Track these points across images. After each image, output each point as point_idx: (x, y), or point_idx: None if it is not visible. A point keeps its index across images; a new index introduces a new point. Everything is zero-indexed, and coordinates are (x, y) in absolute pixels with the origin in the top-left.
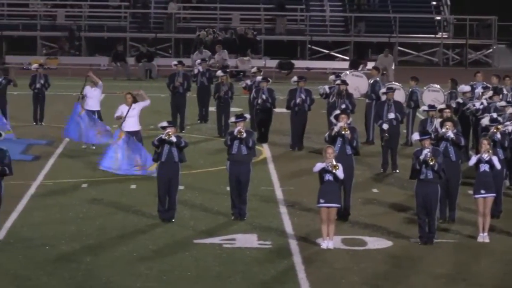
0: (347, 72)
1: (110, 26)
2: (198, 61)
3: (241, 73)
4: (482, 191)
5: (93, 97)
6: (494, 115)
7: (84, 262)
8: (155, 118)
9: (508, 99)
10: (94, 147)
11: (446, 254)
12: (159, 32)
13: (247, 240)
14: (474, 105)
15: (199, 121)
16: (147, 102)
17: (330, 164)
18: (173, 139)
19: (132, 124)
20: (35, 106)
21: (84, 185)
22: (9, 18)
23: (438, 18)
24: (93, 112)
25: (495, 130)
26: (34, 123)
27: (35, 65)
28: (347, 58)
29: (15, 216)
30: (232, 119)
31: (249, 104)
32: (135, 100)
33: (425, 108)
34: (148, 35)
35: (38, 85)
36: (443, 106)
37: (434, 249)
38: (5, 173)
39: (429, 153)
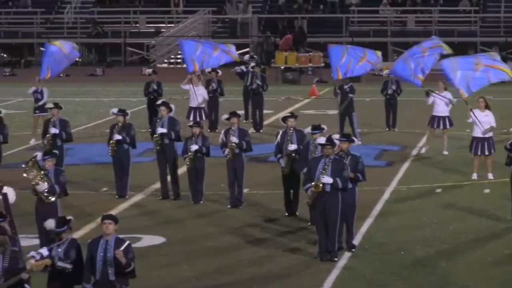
0: None
1: (460, 31)
2: None
3: None
4: None
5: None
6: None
7: (439, 267)
8: (508, 122)
9: None
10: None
11: None
12: (511, 36)
13: None
14: None
15: None
16: None
17: None
18: None
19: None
20: (388, 112)
21: (438, 190)
22: (359, 25)
23: None
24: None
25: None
26: (387, 129)
27: (386, 71)
28: None
29: (370, 222)
30: None
31: None
32: (487, 106)
33: None
34: (499, 39)
35: (389, 91)
36: None
37: None
38: (359, 179)
39: None
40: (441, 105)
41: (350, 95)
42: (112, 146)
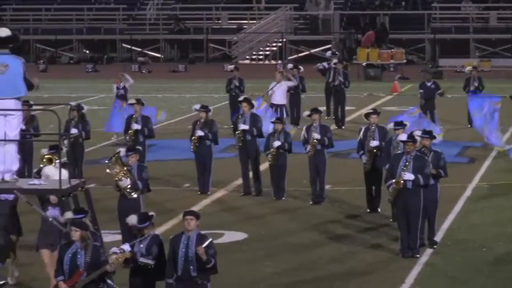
0: None
1: None
2: None
3: None
4: None
5: None
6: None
7: None
8: None
9: None
10: None
11: None
12: None
13: None
14: None
15: None
16: None
17: None
18: None
19: None
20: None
21: None
22: (441, 22)
23: None
24: None
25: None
26: (469, 126)
27: (468, 68)
28: None
29: (451, 218)
30: None
31: None
32: None
33: None
34: None
35: (472, 88)
36: None
37: None
38: (441, 176)
39: None
40: None
41: (438, 91)
42: (194, 142)
